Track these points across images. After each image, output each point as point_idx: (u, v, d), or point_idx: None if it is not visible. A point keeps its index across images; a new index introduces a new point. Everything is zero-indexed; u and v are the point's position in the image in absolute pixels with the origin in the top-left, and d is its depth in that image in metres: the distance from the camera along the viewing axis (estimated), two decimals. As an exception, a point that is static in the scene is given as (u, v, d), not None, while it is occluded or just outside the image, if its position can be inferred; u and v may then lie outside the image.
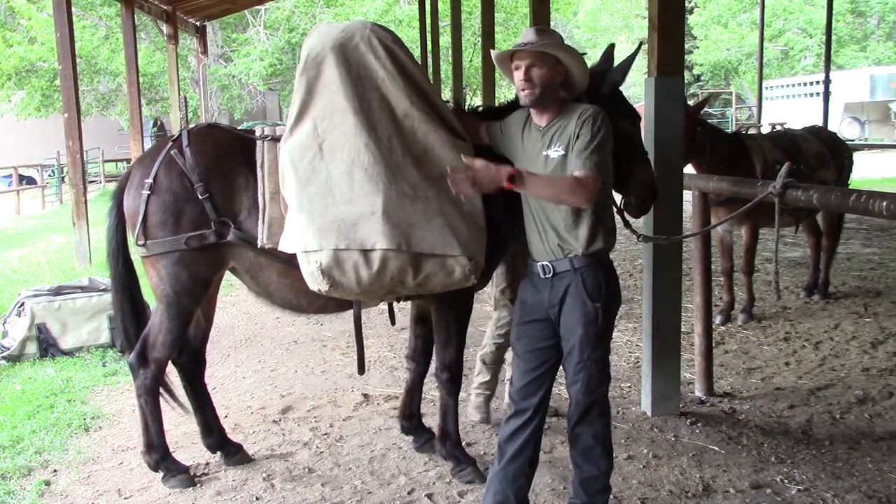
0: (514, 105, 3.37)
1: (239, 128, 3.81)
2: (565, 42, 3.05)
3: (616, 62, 3.40)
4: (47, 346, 5.76)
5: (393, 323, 3.90)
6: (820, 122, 14.67)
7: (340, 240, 3.06)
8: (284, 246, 3.19)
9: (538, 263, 3.06)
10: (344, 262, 3.07)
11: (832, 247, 6.77)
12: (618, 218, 3.47)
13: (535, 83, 2.95)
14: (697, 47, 32.70)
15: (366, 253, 3.06)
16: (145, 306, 3.91)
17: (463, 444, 3.78)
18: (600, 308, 2.94)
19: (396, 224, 3.05)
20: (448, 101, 3.53)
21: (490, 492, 3.09)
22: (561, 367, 3.11)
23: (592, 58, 3.42)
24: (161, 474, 3.68)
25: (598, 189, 2.86)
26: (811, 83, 26.78)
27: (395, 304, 3.79)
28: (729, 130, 15.27)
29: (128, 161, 19.48)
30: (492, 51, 3.20)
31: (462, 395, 3.96)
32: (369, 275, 3.09)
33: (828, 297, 6.70)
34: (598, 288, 2.96)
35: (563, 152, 2.94)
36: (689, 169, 5.52)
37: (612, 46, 3.49)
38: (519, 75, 2.97)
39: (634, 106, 3.49)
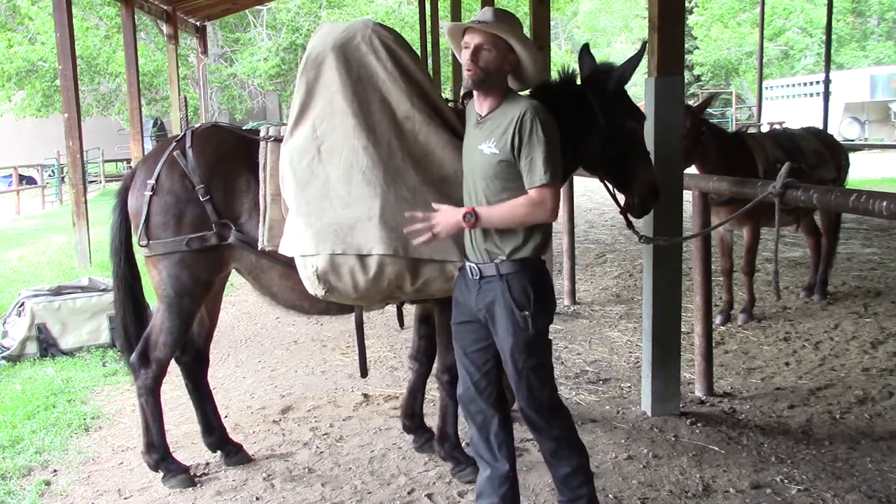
0: None
1: (244, 127, 3.80)
2: (522, 31, 2.93)
3: (615, 63, 3.38)
4: (47, 346, 5.77)
5: (401, 325, 3.90)
6: (820, 122, 14.70)
7: (337, 244, 3.04)
8: (283, 249, 3.19)
9: (468, 263, 2.99)
10: (340, 266, 3.06)
11: (831, 245, 6.76)
12: (620, 218, 3.46)
13: (480, 65, 2.81)
14: (698, 47, 32.69)
15: (362, 258, 3.05)
16: (146, 306, 3.91)
17: (462, 444, 3.78)
18: (529, 316, 2.85)
19: (394, 229, 3.03)
20: (449, 101, 3.51)
21: (482, 499, 3.09)
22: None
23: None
24: (161, 474, 3.68)
25: (559, 198, 2.82)
26: (811, 83, 26.78)
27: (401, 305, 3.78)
28: (729, 130, 15.28)
29: (128, 161, 19.51)
30: (443, 23, 3.12)
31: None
32: (366, 280, 3.08)
33: (826, 297, 6.69)
34: (526, 296, 2.86)
35: (496, 151, 2.81)
36: (691, 169, 5.53)
37: (586, 45, 3.46)
38: (466, 54, 2.83)
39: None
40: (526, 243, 2.88)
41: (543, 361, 2.98)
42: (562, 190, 3.23)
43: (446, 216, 2.85)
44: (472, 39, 2.84)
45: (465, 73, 2.86)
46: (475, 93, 2.95)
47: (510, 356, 2.91)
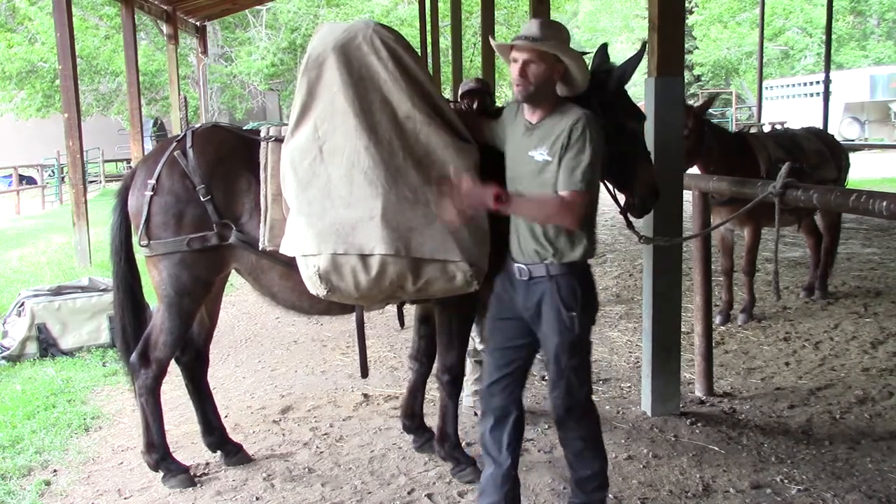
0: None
1: (245, 128, 3.80)
2: (569, 40, 2.99)
3: (616, 62, 3.38)
4: (47, 346, 5.77)
5: (402, 325, 3.89)
6: (820, 122, 14.70)
7: (339, 244, 3.05)
8: (285, 249, 3.19)
9: (515, 264, 3.02)
10: (342, 266, 3.07)
11: (832, 244, 6.76)
12: (620, 218, 3.47)
13: (529, 80, 2.87)
14: (697, 47, 32.69)
15: (364, 258, 3.05)
16: (145, 306, 3.91)
17: (462, 444, 3.78)
18: (576, 317, 2.91)
19: (395, 228, 3.03)
20: (450, 101, 3.51)
21: (484, 497, 3.09)
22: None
23: (589, 58, 3.42)
24: (161, 474, 3.68)
25: (586, 209, 2.86)
26: (811, 83, 26.77)
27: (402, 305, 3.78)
28: (730, 131, 15.27)
29: (128, 161, 19.51)
30: (492, 40, 3.16)
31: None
32: (367, 280, 3.08)
33: (827, 296, 6.69)
34: (574, 296, 2.91)
35: (549, 158, 2.87)
36: (693, 170, 5.53)
37: (605, 45, 3.48)
38: (515, 69, 2.89)
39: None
40: (575, 247, 2.93)
41: (584, 362, 3.03)
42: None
43: (474, 193, 2.79)
44: (519, 55, 2.89)
45: (515, 88, 2.91)
46: (525, 105, 2.97)
47: (554, 355, 2.95)
